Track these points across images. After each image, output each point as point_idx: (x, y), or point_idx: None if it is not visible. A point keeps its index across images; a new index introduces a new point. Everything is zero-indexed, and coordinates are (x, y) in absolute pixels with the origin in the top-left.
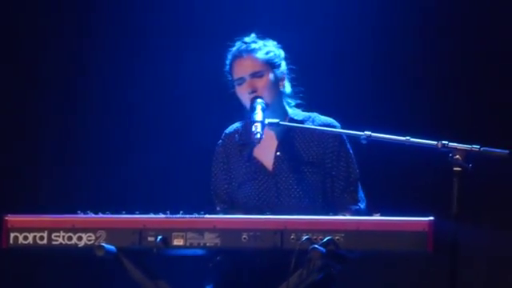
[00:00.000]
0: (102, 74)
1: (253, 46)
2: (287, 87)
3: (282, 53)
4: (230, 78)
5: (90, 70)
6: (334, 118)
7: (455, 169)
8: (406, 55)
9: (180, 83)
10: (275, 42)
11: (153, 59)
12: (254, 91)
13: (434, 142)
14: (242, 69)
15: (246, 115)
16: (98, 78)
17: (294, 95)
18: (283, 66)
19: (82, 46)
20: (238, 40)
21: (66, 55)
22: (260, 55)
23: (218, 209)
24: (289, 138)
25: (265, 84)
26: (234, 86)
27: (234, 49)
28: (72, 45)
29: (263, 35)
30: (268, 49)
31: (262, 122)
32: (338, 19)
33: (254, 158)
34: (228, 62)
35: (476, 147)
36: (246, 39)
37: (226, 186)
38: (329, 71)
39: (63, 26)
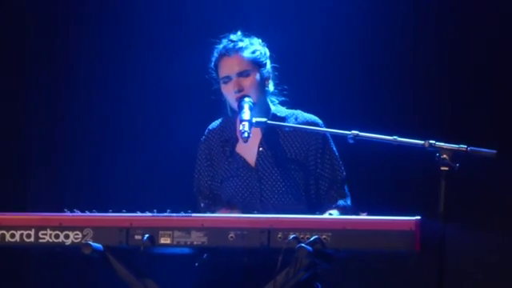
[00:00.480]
0: (89, 74)
1: (240, 44)
2: (270, 85)
3: (267, 51)
4: (214, 75)
5: (77, 70)
6: (320, 118)
7: (442, 168)
8: (393, 54)
9: (165, 82)
10: (260, 40)
11: (138, 59)
12: (240, 90)
13: (421, 142)
14: (229, 68)
15: (227, 111)
16: (85, 78)
17: (277, 93)
18: (268, 64)
19: (70, 44)
20: (224, 37)
21: (53, 53)
22: (247, 54)
23: (201, 205)
24: (272, 134)
25: (251, 83)
26: (218, 83)
27: (221, 46)
28: (59, 43)
29: (248, 33)
30: (254, 47)
31: (250, 121)
32: (324, 17)
33: (237, 154)
34: (214, 59)
35: (463, 147)
36: (232, 37)
37: (209, 183)
38: (316, 70)
39: (51, 23)
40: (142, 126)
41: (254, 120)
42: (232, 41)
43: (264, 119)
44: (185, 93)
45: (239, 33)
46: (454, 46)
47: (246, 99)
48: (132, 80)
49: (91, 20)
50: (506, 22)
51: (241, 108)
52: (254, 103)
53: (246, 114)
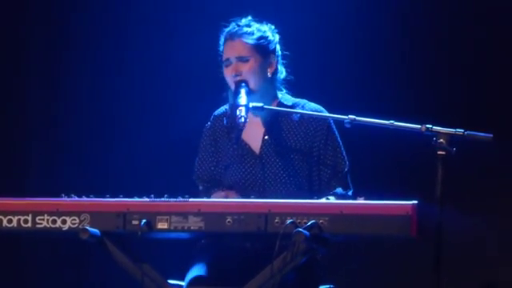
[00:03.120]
0: (87, 60)
1: (245, 29)
2: (280, 72)
3: (276, 37)
4: (220, 57)
5: (76, 55)
6: (318, 103)
7: (439, 152)
8: (389, 39)
9: (165, 68)
10: (272, 27)
11: (138, 45)
12: (237, 75)
13: (418, 126)
14: (230, 51)
15: (229, 98)
16: (83, 64)
17: (285, 82)
18: (276, 51)
19: (69, 31)
20: (233, 21)
21: (51, 40)
22: (249, 40)
23: (200, 188)
24: (277, 123)
25: (249, 69)
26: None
27: (227, 30)
28: (56, 29)
29: (260, 18)
30: (260, 34)
31: (247, 106)
32: (322, 3)
33: (242, 141)
34: (221, 42)
35: (460, 131)
36: (241, 22)
37: (212, 169)
38: (313, 56)
39: (49, 8)
40: (139, 111)
41: (251, 105)
42: (238, 25)
43: (261, 104)
44: (184, 77)
45: (249, 17)
46: (452, 29)
47: (243, 84)
48: (130, 65)
49: (96, 4)
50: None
51: (237, 93)
52: (251, 89)
53: (243, 98)
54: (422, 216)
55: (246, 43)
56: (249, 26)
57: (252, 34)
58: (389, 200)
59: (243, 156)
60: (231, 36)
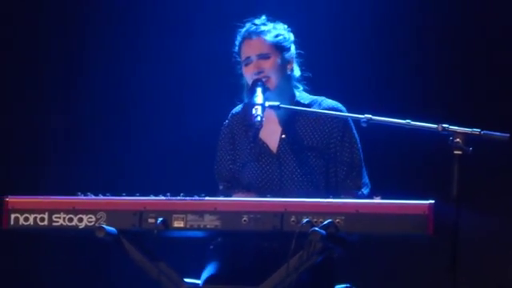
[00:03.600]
0: (105, 57)
1: (262, 28)
2: (296, 71)
3: (291, 36)
4: (238, 59)
5: (92, 55)
6: (336, 101)
7: (456, 152)
8: (406, 38)
9: (182, 65)
10: (285, 26)
11: (154, 42)
12: (260, 72)
13: (435, 126)
14: (250, 49)
15: (244, 97)
16: (101, 61)
17: (302, 79)
18: (292, 49)
19: (85, 31)
20: (248, 21)
21: (67, 39)
22: (269, 37)
23: (220, 187)
24: (294, 121)
25: (271, 66)
26: (241, 68)
27: (244, 29)
28: (73, 29)
29: (273, 18)
30: (277, 32)
31: (263, 105)
32: (336, 1)
33: (260, 140)
34: (237, 42)
35: (476, 131)
36: (256, 21)
37: (230, 166)
38: (329, 54)
39: (65, 8)
40: (157, 109)
41: (267, 104)
42: (255, 24)
43: (277, 103)
44: (201, 76)
45: (263, 17)
46: (467, 27)
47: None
48: (148, 63)
49: (111, 4)
50: None
51: (253, 92)
52: (268, 88)
53: (259, 97)
54: (439, 215)
55: (266, 40)
56: (265, 24)
57: (270, 31)
58: (405, 199)
59: (260, 155)
60: (250, 34)
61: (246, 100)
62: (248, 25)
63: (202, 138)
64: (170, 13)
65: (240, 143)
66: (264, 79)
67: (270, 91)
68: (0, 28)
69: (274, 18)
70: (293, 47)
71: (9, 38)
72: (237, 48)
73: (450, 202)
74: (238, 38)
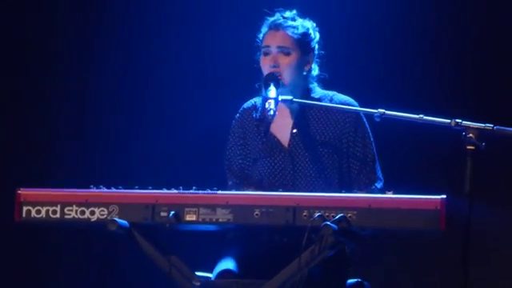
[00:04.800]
0: (117, 51)
1: (290, 22)
2: (314, 71)
3: (317, 36)
4: (259, 44)
5: (106, 46)
6: (348, 96)
7: (468, 147)
8: (419, 33)
9: (194, 61)
10: (314, 24)
11: (167, 36)
12: (275, 66)
13: (448, 121)
14: (272, 39)
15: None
16: (114, 55)
17: (318, 80)
18: (315, 50)
19: (98, 29)
20: (278, 11)
21: (80, 37)
22: (294, 34)
23: (229, 183)
24: (305, 116)
25: (288, 63)
26: (260, 54)
27: (272, 19)
28: (86, 28)
29: (304, 15)
30: (304, 30)
31: (276, 99)
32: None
33: (271, 134)
34: (262, 29)
35: (489, 126)
36: (287, 13)
37: (240, 161)
38: (341, 49)
39: (81, 5)
40: (169, 102)
41: (280, 98)
42: (284, 17)
43: (290, 97)
44: (213, 70)
45: (294, 11)
46: (480, 23)
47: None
48: (160, 56)
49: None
50: None
51: (267, 86)
52: (283, 83)
53: (272, 91)
54: (451, 210)
55: (290, 36)
56: (294, 19)
57: (297, 28)
58: (417, 194)
59: (272, 149)
60: (276, 26)
61: (260, 90)
62: (276, 15)
63: (215, 131)
64: (189, 6)
65: (251, 138)
66: (277, 74)
67: (284, 87)
68: (18, 28)
69: (301, 13)
70: (317, 47)
71: (25, 37)
72: (261, 35)
73: (462, 198)
74: (264, 27)
